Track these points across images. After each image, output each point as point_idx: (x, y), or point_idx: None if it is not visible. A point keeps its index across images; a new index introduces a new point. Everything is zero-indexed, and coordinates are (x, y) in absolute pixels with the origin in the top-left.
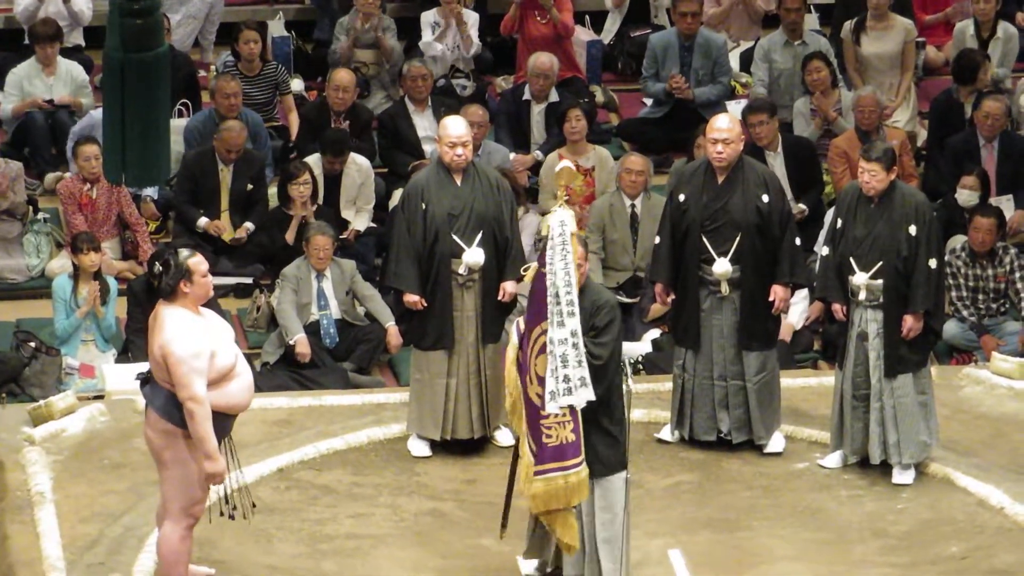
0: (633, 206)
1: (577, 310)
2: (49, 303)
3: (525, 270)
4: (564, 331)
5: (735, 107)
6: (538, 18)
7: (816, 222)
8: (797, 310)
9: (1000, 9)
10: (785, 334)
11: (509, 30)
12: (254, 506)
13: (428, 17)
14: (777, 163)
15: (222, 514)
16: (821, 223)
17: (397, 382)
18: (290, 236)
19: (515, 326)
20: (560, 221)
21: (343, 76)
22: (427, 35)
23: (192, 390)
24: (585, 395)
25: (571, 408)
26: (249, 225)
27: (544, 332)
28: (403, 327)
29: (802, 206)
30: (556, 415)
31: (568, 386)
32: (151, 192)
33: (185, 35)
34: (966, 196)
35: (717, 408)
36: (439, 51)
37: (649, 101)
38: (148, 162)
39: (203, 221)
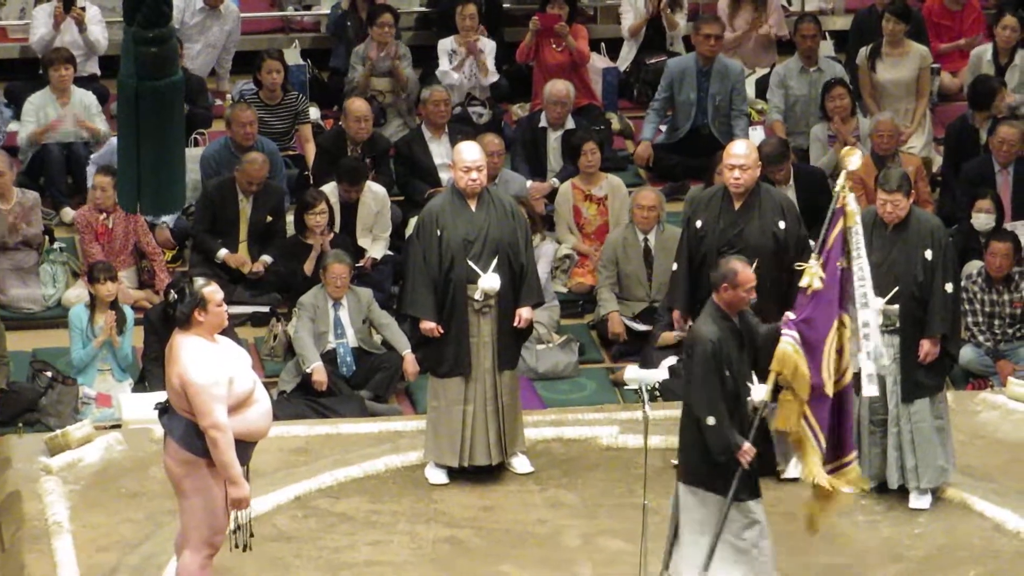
0: (646, 240)
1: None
2: (65, 333)
3: (800, 267)
4: (868, 312)
5: (752, 134)
6: (554, 46)
7: None
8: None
9: (1021, 36)
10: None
11: (525, 58)
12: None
13: (445, 45)
14: (789, 194)
15: (236, 546)
16: None
17: (414, 410)
18: (308, 267)
19: (790, 325)
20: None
21: (360, 106)
22: (444, 63)
23: (214, 418)
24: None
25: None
26: (267, 258)
27: (843, 324)
28: (420, 354)
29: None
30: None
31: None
32: (167, 220)
33: (204, 64)
34: (983, 220)
35: None
36: (456, 80)
37: (663, 127)
38: (163, 190)
39: (223, 253)
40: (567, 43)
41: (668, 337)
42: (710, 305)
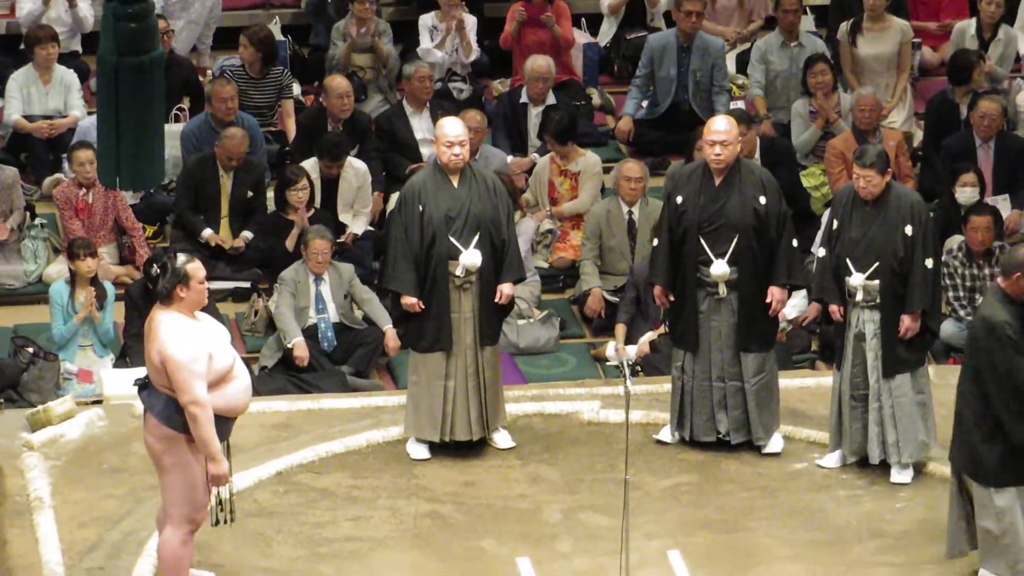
0: (630, 212)
1: None
2: (47, 308)
3: None
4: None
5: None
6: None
7: (812, 223)
8: (791, 304)
9: (1004, 12)
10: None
11: (509, 44)
12: (232, 512)
13: (426, 21)
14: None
15: (216, 522)
16: (818, 224)
17: (395, 385)
18: (290, 243)
19: None
20: None
21: (341, 83)
22: (425, 39)
23: (193, 394)
24: None
25: None
26: (247, 234)
27: None
28: (401, 330)
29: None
30: None
31: None
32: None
33: (186, 40)
34: (968, 194)
35: (716, 409)
36: (439, 58)
37: (645, 103)
38: (143, 165)
39: (207, 233)
40: (553, 32)
41: (601, 352)
42: (996, 291)
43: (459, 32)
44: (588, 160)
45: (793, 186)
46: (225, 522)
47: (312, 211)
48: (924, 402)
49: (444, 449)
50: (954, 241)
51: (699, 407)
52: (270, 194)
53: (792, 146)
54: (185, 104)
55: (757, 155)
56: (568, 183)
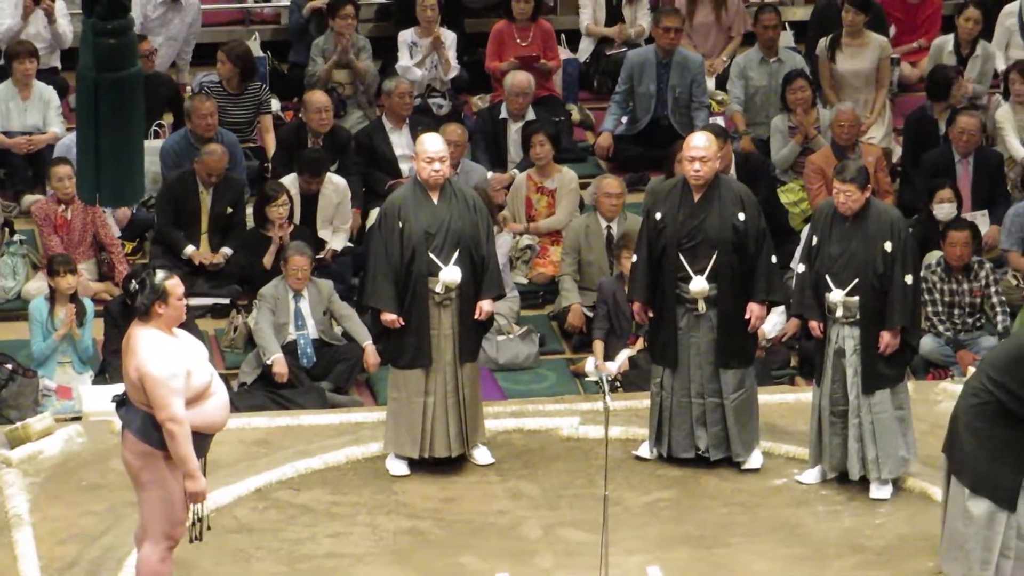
0: (609, 227)
1: None
2: (26, 325)
3: None
4: None
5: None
6: (519, 40)
7: (791, 239)
8: (769, 323)
9: (982, 28)
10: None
11: (493, 70)
12: (208, 528)
13: (405, 37)
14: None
15: (192, 539)
16: (796, 240)
17: (375, 401)
18: (268, 260)
19: None
20: None
21: (319, 98)
22: (404, 54)
23: (171, 411)
24: None
25: None
26: (227, 250)
27: None
28: (380, 346)
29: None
30: None
31: None
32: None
33: (166, 57)
34: (946, 210)
35: (695, 425)
36: (419, 76)
37: (625, 119)
38: (123, 181)
39: (190, 250)
40: (542, 68)
41: (581, 368)
42: None
43: (438, 50)
44: (565, 176)
45: (770, 202)
46: (199, 538)
47: (292, 227)
48: (904, 418)
49: (424, 465)
50: (933, 256)
51: (678, 423)
52: (249, 210)
53: (768, 161)
54: (166, 120)
55: (733, 170)
56: (545, 200)
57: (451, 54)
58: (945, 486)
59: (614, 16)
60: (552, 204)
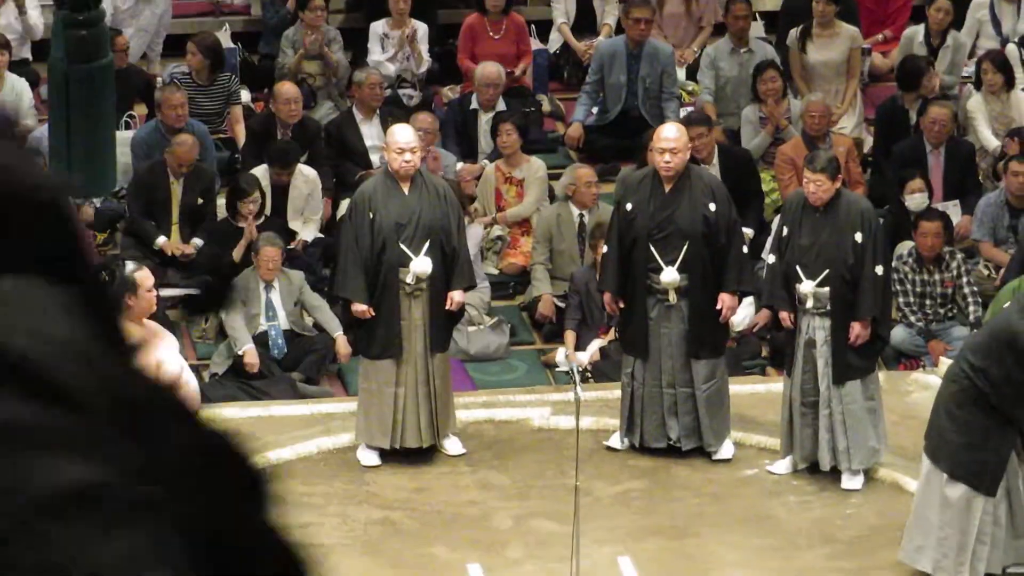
0: (582, 216)
1: None
2: None
3: None
4: None
5: (682, 115)
6: (491, 34)
7: (762, 229)
8: (740, 312)
9: (952, 19)
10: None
11: (467, 69)
12: None
13: (376, 29)
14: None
15: None
16: (768, 231)
17: (346, 392)
18: (237, 254)
19: None
20: None
21: (289, 89)
22: (375, 46)
23: None
24: None
25: None
26: (197, 241)
27: None
28: (351, 336)
29: (748, 231)
30: None
31: None
32: (95, 202)
33: (136, 48)
34: (917, 201)
35: (666, 415)
36: (391, 71)
37: (595, 109)
38: (94, 172)
39: (162, 240)
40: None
41: (551, 359)
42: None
43: (410, 44)
44: (532, 166)
45: (758, 195)
46: None
47: (262, 219)
48: (874, 408)
49: (394, 456)
50: (904, 247)
51: (649, 413)
52: (221, 201)
53: (751, 155)
54: (137, 111)
55: (715, 159)
56: (514, 190)
57: (423, 47)
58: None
59: (584, 12)
60: (521, 194)
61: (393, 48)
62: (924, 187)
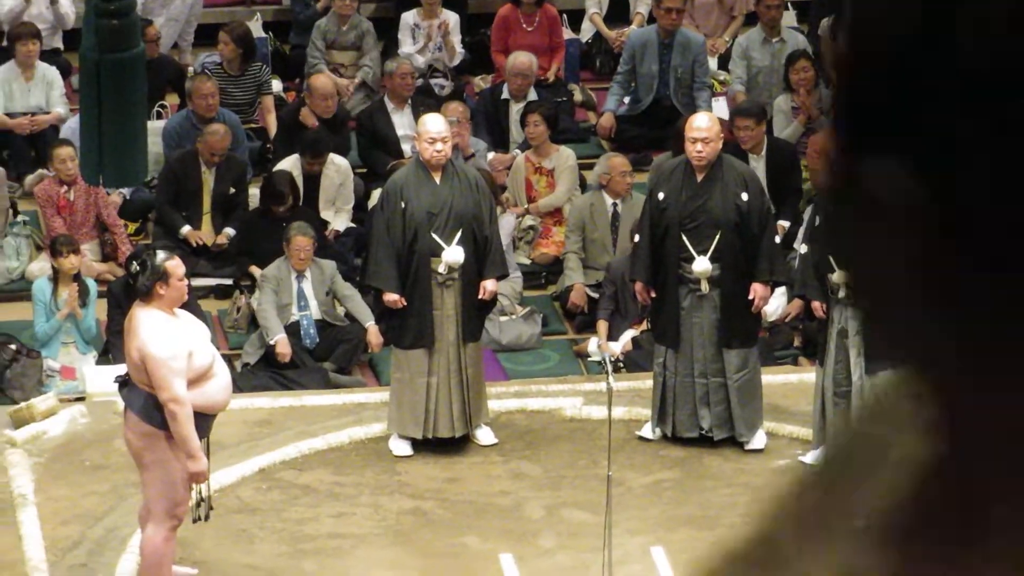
0: (615, 205)
1: None
2: (29, 306)
3: None
4: None
5: (715, 105)
6: (524, 26)
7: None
8: (772, 303)
9: None
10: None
11: (500, 64)
12: (212, 508)
13: (407, 19)
14: (760, 167)
15: (196, 519)
16: (801, 221)
17: (378, 381)
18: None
19: None
20: None
21: (324, 82)
22: (406, 37)
23: (172, 391)
24: None
25: None
26: (229, 231)
27: None
28: (383, 326)
29: (784, 223)
30: None
31: None
32: (125, 190)
33: (168, 37)
34: None
35: (698, 405)
36: (421, 63)
37: (627, 99)
38: (125, 162)
39: (186, 229)
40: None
41: (583, 348)
42: None
43: (443, 38)
44: (562, 155)
45: (797, 191)
46: (205, 518)
47: (295, 208)
48: None
49: (426, 446)
50: None
51: (681, 403)
52: (252, 191)
53: (796, 150)
54: (168, 101)
55: (763, 151)
56: (544, 180)
57: (455, 38)
58: None
59: (616, 1)
60: (552, 184)
61: (423, 39)
62: None
